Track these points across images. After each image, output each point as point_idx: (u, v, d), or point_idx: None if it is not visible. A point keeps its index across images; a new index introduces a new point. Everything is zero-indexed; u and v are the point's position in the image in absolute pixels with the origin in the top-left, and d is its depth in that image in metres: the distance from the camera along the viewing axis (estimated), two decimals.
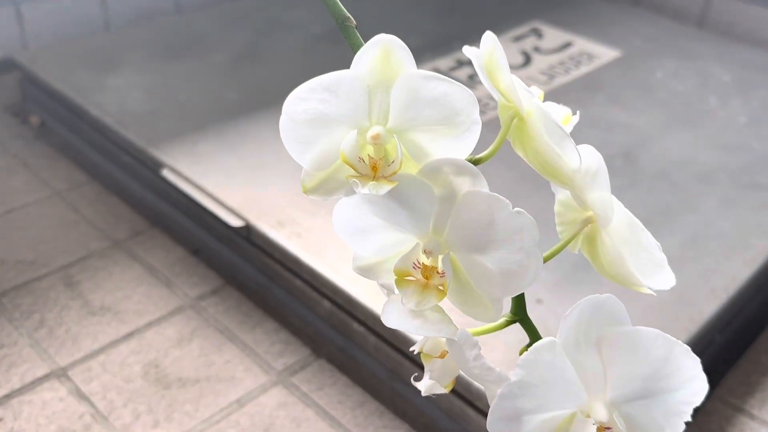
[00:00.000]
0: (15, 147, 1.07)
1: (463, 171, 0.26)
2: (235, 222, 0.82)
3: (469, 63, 1.20)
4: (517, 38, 1.30)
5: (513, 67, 1.20)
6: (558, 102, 0.33)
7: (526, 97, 0.29)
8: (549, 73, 1.18)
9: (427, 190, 0.27)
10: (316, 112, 0.27)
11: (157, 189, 0.94)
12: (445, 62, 1.20)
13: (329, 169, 0.28)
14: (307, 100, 0.27)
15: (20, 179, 1.00)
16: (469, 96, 0.26)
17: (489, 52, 0.30)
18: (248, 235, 0.83)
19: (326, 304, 0.77)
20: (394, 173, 0.27)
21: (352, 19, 0.33)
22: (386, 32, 0.28)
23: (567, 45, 1.28)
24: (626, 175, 0.95)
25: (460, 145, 0.27)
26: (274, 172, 0.91)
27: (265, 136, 0.98)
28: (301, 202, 0.86)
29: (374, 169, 0.27)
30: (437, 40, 1.28)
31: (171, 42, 1.20)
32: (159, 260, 0.88)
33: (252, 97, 1.07)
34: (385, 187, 0.26)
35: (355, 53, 0.29)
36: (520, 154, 0.31)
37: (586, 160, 0.31)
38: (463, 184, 0.26)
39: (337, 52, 1.20)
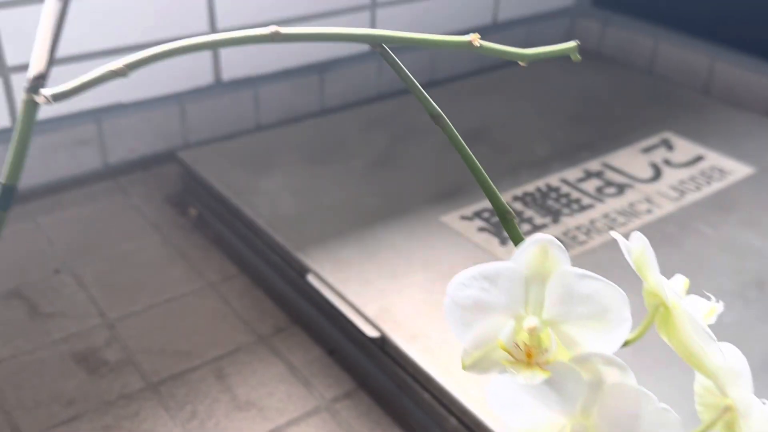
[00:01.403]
0: (175, 237, 1.19)
1: (612, 363, 0.29)
2: (371, 332, 0.89)
3: (597, 175, 1.23)
4: (647, 149, 1.32)
5: (643, 181, 1.22)
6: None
7: (673, 297, 0.33)
8: (679, 189, 1.19)
9: (577, 376, 0.30)
10: (477, 298, 0.31)
11: (300, 289, 1.02)
12: (572, 173, 1.24)
13: (485, 348, 0.32)
14: (469, 287, 0.31)
15: (179, 269, 1.12)
16: (620, 295, 0.29)
17: (639, 251, 0.34)
18: (382, 345, 0.89)
19: (453, 421, 0.81)
20: (548, 362, 0.30)
21: (512, 212, 0.38)
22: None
23: (698, 159, 1.29)
24: (760, 307, 0.94)
25: (610, 339, 0.30)
26: (407, 282, 0.97)
27: (400, 244, 1.05)
28: (433, 315, 0.91)
29: (529, 356, 0.31)
30: (565, 148, 1.32)
31: (316, 145, 1.31)
32: (298, 358, 0.96)
33: (388, 203, 1.14)
34: (540, 377, 0.29)
35: (514, 244, 0.34)
36: (665, 339, 0.34)
37: (730, 360, 0.34)
38: (611, 375, 0.29)
39: None
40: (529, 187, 1.19)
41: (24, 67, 1.19)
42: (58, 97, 0.35)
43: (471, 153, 0.38)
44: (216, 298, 1.06)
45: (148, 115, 1.33)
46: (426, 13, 1.60)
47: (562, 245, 0.31)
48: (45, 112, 1.24)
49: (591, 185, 1.20)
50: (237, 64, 1.39)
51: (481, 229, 1.08)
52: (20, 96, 1.23)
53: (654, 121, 1.42)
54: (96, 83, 0.35)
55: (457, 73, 1.69)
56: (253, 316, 1.03)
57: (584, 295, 0.30)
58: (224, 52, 1.37)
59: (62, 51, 1.21)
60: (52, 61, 0.36)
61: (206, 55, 1.34)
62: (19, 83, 1.20)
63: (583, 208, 1.13)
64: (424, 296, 0.94)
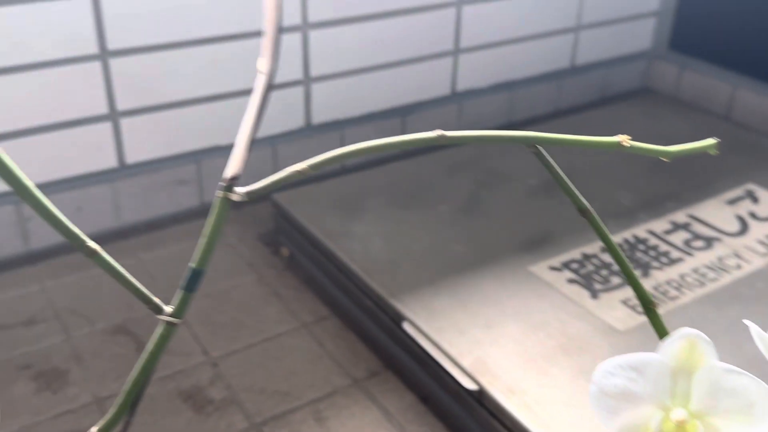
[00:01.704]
0: (268, 276, 1.24)
1: None
2: (469, 385, 0.91)
3: (684, 227, 1.23)
4: (732, 201, 1.32)
5: (731, 235, 1.22)
6: None
7: None
8: (767, 243, 1.19)
9: None
10: (624, 387, 0.34)
11: (394, 335, 1.05)
12: (659, 224, 1.25)
13: None
14: (616, 376, 0.34)
15: (274, 309, 1.16)
16: (765, 390, 0.31)
17: None
18: (480, 397, 0.91)
19: None
20: None
21: (654, 302, 0.41)
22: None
23: None
24: None
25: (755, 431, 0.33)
26: (500, 332, 1.00)
27: (491, 294, 1.07)
28: (528, 369, 0.94)
29: None
30: (649, 198, 1.33)
31: (401, 188, 1.35)
32: (393, 404, 0.99)
33: (476, 251, 1.17)
34: None
35: (658, 336, 0.37)
36: None
37: None
38: None
39: (551, 205, 1.29)
40: (617, 238, 1.20)
41: (133, 112, 1.27)
42: (251, 195, 0.39)
43: (617, 246, 0.42)
44: (310, 339, 1.10)
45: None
46: (506, 58, 1.63)
47: (709, 339, 0.34)
48: (150, 154, 1.31)
49: (679, 237, 1.21)
50: (326, 108, 1.45)
51: (571, 281, 1.10)
52: (128, 139, 1.30)
53: (736, 171, 1.42)
54: (283, 182, 0.40)
55: (535, 116, 1.71)
56: (346, 358, 1.07)
57: (730, 390, 0.33)
58: (315, 97, 1.42)
59: (169, 97, 1.28)
60: (246, 162, 0.41)
61: (299, 101, 1.40)
62: (128, 127, 1.27)
63: (672, 261, 1.14)
64: (517, 348, 0.97)
